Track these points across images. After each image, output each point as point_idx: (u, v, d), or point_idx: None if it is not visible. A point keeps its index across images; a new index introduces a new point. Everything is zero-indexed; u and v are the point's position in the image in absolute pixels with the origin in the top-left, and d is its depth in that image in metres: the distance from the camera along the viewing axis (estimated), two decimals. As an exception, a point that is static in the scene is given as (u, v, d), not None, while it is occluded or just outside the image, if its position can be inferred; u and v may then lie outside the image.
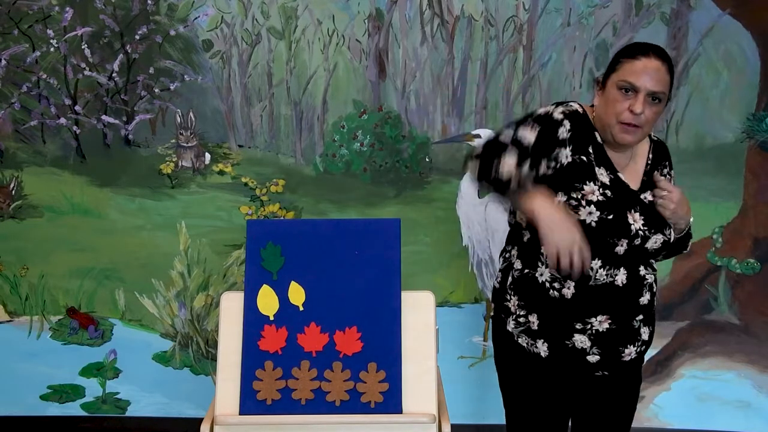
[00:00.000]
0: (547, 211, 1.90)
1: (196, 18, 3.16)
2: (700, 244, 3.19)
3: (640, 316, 2.10)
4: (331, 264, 2.34)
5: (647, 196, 2.07)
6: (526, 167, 1.92)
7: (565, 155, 2.00)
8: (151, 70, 3.18)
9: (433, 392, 2.26)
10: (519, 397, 2.23)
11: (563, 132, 2.00)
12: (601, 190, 2.00)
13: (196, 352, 3.35)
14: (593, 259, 1.98)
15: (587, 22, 3.08)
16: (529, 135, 1.96)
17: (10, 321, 3.36)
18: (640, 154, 2.12)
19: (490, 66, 3.14)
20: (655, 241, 2.04)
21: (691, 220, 2.11)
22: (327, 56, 3.17)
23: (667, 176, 2.16)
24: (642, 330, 2.11)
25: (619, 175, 2.04)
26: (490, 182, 1.96)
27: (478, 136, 3.12)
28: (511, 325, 2.16)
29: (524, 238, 2.12)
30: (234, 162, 3.25)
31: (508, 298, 2.16)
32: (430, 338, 2.31)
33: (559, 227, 1.88)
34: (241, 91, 3.21)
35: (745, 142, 3.12)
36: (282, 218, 3.23)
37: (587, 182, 1.99)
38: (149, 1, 3.14)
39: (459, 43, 3.13)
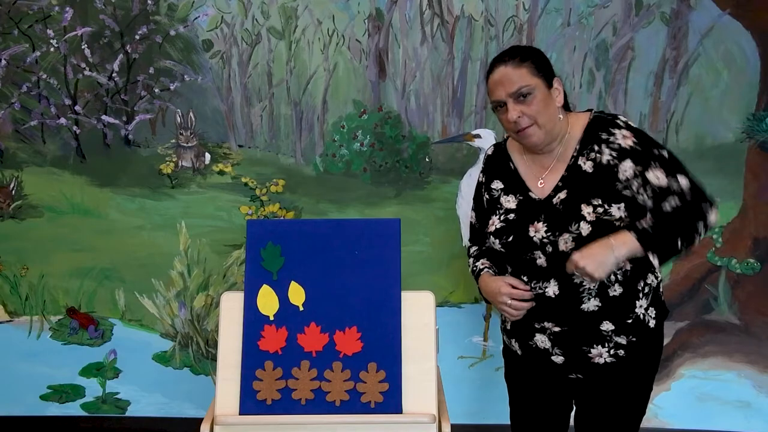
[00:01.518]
0: (481, 287, 2.23)
1: (196, 18, 3.16)
2: (700, 244, 3.18)
3: (607, 325, 2.05)
4: (331, 264, 2.34)
5: (561, 195, 2.04)
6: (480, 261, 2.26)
7: (485, 201, 2.22)
8: (151, 70, 3.18)
9: (433, 392, 2.26)
10: (512, 389, 2.36)
11: (483, 190, 2.24)
12: (503, 217, 2.12)
13: (196, 352, 3.35)
14: (521, 275, 2.11)
15: (587, 22, 3.08)
16: (473, 216, 2.32)
17: (10, 321, 3.36)
18: (572, 143, 2.07)
19: (490, 66, 3.14)
20: (565, 242, 2.01)
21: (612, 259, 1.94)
22: (327, 56, 3.17)
23: (596, 155, 2.01)
24: (615, 337, 2.07)
25: (530, 194, 2.10)
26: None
27: (478, 136, 3.12)
28: (500, 324, 2.34)
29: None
30: (234, 162, 3.25)
31: None
32: (430, 338, 2.31)
33: (487, 294, 2.20)
34: (241, 91, 3.21)
35: (745, 142, 3.12)
36: (282, 218, 3.23)
37: (491, 215, 2.17)
38: (149, 1, 3.14)
39: (459, 43, 3.13)
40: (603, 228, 1.98)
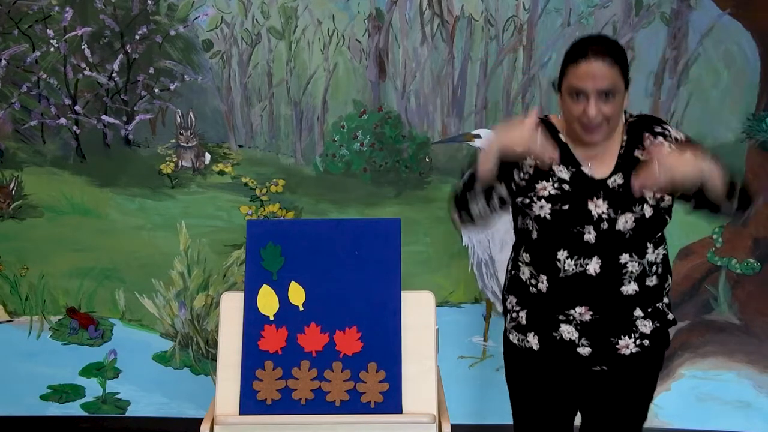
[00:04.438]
0: (493, 134, 2.01)
1: (196, 18, 3.16)
2: (700, 244, 3.19)
3: (638, 311, 2.10)
4: (331, 264, 2.34)
5: (617, 179, 2.06)
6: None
7: (529, 164, 2.10)
8: (151, 70, 3.18)
9: (433, 392, 2.27)
10: (518, 393, 2.29)
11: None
12: (557, 185, 2.07)
13: (196, 352, 3.35)
14: (558, 250, 2.05)
15: (587, 22, 3.08)
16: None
17: (10, 321, 3.36)
18: (614, 138, 2.11)
19: (490, 66, 3.14)
20: (625, 222, 2.03)
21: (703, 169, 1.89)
22: (327, 56, 3.16)
23: (657, 144, 2.06)
24: (640, 323, 2.11)
25: (582, 169, 2.08)
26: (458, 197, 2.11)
27: (478, 136, 3.12)
28: (507, 323, 2.26)
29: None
30: (234, 162, 3.25)
31: (506, 296, 2.28)
32: (430, 338, 2.31)
33: (507, 131, 1.95)
34: (241, 91, 3.21)
35: (745, 142, 3.12)
36: (282, 218, 3.23)
37: (540, 181, 2.08)
38: (149, 1, 3.14)
39: (459, 43, 3.13)
40: (659, 214, 2.06)
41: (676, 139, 2.10)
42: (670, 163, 1.86)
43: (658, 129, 2.11)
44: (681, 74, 3.08)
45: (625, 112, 2.19)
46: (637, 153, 2.09)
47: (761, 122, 3.09)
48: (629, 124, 2.14)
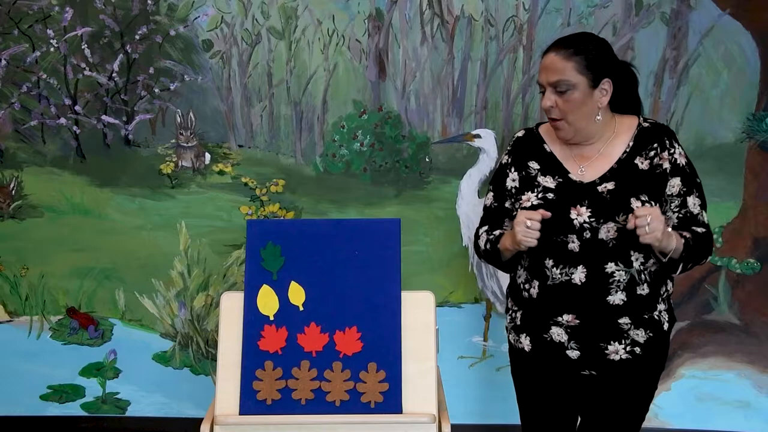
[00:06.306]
0: (506, 241, 2.14)
1: (196, 18, 3.16)
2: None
3: (625, 319, 2.09)
4: (331, 264, 2.34)
5: (608, 186, 2.06)
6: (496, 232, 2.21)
7: (512, 179, 2.18)
8: (151, 70, 3.18)
9: (433, 392, 2.26)
10: (518, 391, 2.34)
11: (509, 170, 2.21)
12: (541, 194, 2.09)
13: (196, 352, 3.35)
14: (545, 258, 2.08)
15: (587, 22, 3.08)
16: (489, 198, 2.28)
17: (10, 321, 3.36)
18: (619, 142, 2.12)
19: (490, 66, 3.14)
20: (607, 231, 2.04)
21: (674, 244, 2.00)
22: (327, 56, 3.17)
23: (657, 158, 2.09)
24: (633, 332, 2.10)
25: (570, 176, 2.10)
26: (483, 257, 2.29)
27: (478, 136, 3.12)
28: (507, 322, 2.31)
29: None
30: (234, 162, 3.25)
31: (507, 296, 2.33)
32: (430, 338, 2.31)
33: (512, 238, 2.07)
34: (241, 91, 3.21)
35: (745, 142, 3.12)
36: (282, 218, 3.23)
37: (525, 192, 2.13)
38: (149, 1, 3.14)
39: (459, 43, 3.13)
40: None
41: (676, 161, 2.10)
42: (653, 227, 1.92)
43: (668, 143, 2.11)
44: (681, 74, 3.08)
45: (639, 116, 2.18)
46: (637, 160, 2.09)
47: (761, 122, 3.09)
48: (640, 129, 2.13)
